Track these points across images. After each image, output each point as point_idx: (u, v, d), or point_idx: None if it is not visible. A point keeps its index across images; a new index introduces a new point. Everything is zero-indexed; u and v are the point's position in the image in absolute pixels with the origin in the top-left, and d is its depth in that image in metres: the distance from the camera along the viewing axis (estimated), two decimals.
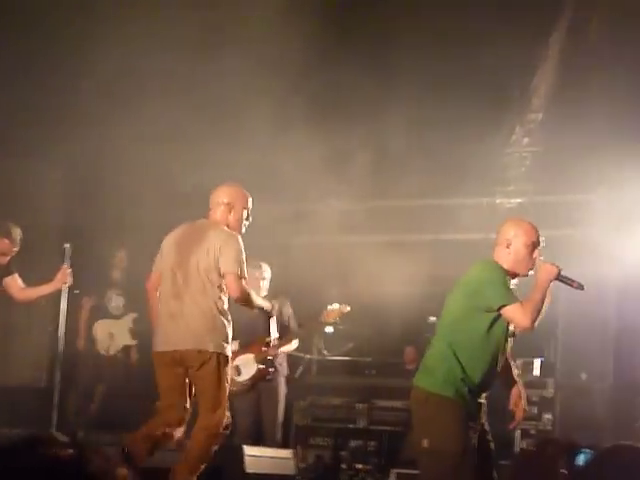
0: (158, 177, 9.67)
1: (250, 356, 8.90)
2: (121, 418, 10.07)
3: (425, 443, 5.48)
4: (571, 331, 10.24)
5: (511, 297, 5.52)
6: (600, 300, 9.76)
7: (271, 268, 9.32)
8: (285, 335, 9.08)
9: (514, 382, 6.00)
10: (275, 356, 9.04)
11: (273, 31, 8.34)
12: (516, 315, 5.48)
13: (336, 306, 8.82)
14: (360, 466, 10.38)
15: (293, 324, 9.33)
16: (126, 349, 10.66)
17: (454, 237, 10.51)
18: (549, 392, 10.21)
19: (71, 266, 8.40)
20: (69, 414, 10.16)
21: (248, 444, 8.25)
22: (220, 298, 6.49)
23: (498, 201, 10.09)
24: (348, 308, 8.80)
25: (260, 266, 9.16)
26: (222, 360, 6.46)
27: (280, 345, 8.99)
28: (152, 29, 8.40)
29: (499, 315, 5.53)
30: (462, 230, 10.35)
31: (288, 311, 9.38)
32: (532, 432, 10.14)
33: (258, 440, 8.99)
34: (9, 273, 8.44)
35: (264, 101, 8.86)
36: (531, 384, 10.02)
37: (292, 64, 8.82)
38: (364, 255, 10.50)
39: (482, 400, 5.73)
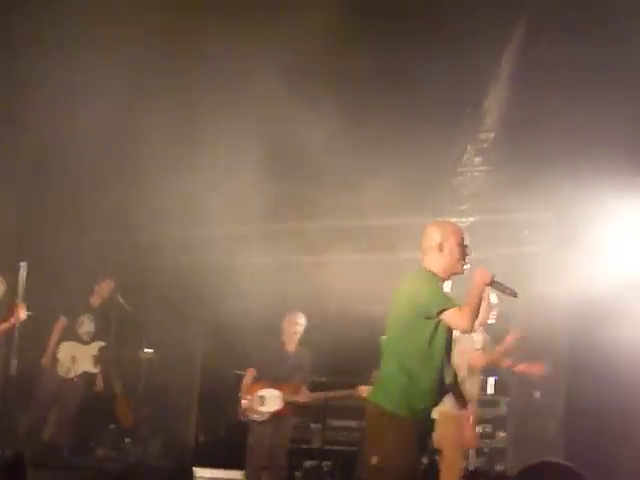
0: None
1: (278, 393, 9.76)
2: (70, 442, 10.07)
3: (374, 460, 5.46)
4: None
5: (448, 301, 5.52)
6: (552, 318, 9.81)
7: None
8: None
9: None
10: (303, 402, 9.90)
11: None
12: (455, 318, 5.48)
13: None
14: None
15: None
16: (86, 375, 10.59)
17: (409, 256, 10.50)
18: (503, 410, 10.25)
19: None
20: (20, 434, 10.07)
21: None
22: None
23: (451, 220, 10.11)
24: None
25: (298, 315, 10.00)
26: None
27: (312, 395, 9.92)
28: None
29: (439, 322, 5.53)
30: (415, 250, 10.35)
31: (307, 361, 10.11)
32: (486, 450, 10.19)
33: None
34: None
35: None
36: (485, 402, 10.07)
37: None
38: (319, 275, 10.52)
39: (435, 416, 5.73)
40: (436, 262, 5.70)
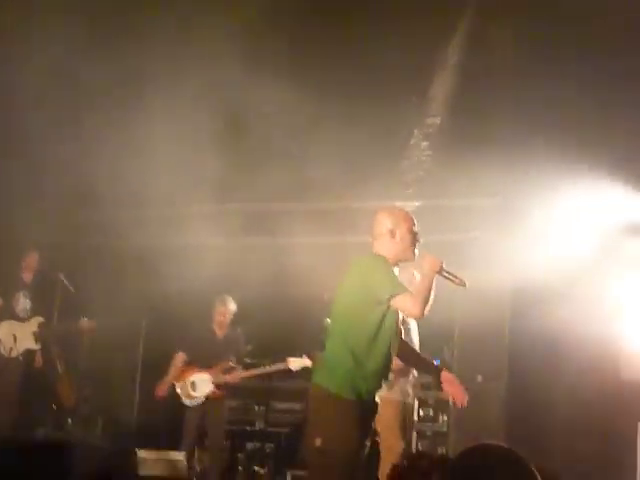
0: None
1: (207, 376, 9.84)
2: (10, 422, 9.97)
3: (318, 442, 5.45)
4: (467, 334, 10.35)
5: (400, 287, 5.53)
6: (495, 303, 9.88)
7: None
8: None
9: None
10: (234, 382, 9.94)
11: None
12: (406, 304, 5.51)
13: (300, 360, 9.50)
14: (257, 468, 10.39)
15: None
16: (28, 353, 10.52)
17: (353, 240, 10.52)
18: (445, 394, 10.30)
19: None
20: None
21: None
22: None
23: (397, 204, 10.12)
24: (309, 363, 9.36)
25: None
26: None
27: (242, 375, 9.95)
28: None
29: (389, 307, 5.54)
30: (361, 233, 10.34)
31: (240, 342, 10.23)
32: (428, 433, 10.25)
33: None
34: None
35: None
36: (427, 386, 10.12)
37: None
38: (263, 258, 10.49)
39: (377, 400, 5.74)
40: (387, 248, 5.71)
